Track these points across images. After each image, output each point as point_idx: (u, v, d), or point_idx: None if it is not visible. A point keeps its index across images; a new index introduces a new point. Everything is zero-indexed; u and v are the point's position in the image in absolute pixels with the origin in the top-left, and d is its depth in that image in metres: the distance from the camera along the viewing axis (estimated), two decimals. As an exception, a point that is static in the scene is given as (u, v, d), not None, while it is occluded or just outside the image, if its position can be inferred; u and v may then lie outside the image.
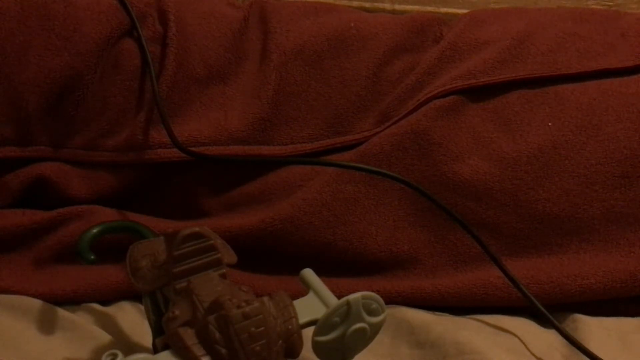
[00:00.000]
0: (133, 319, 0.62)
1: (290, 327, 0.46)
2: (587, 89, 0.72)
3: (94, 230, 0.57)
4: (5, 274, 0.65)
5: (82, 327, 0.59)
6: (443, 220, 0.68)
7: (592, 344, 0.61)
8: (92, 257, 0.55)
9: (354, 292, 0.48)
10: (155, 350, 0.48)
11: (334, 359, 0.50)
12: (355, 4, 0.85)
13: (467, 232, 0.66)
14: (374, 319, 0.49)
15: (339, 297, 0.49)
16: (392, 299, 0.66)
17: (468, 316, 0.66)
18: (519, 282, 0.64)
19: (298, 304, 0.48)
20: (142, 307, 0.57)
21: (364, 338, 0.50)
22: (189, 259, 0.48)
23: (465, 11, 0.82)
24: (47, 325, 0.59)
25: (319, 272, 0.53)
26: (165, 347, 0.46)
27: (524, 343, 0.63)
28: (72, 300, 0.64)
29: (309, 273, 0.53)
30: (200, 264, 0.49)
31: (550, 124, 0.71)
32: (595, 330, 0.64)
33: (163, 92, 0.70)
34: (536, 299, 0.64)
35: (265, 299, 0.46)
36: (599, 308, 0.68)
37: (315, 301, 0.50)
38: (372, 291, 0.49)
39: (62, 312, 0.61)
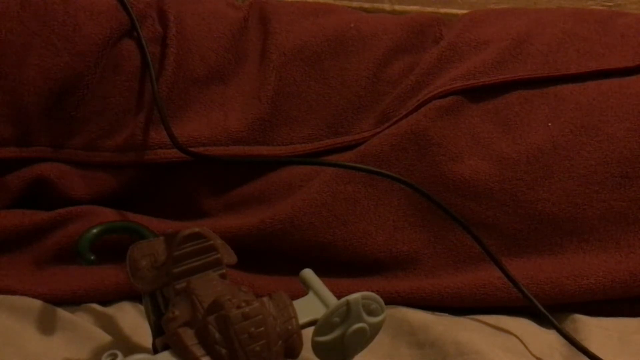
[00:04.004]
0: (133, 320, 0.62)
1: (290, 327, 0.46)
2: (587, 89, 0.72)
3: (94, 231, 0.57)
4: (6, 274, 0.65)
5: (82, 327, 0.59)
6: (443, 220, 0.68)
7: (591, 344, 0.61)
8: (92, 257, 0.55)
9: (353, 292, 0.48)
10: (155, 350, 0.48)
11: (333, 359, 0.50)
12: (355, 4, 0.85)
13: (466, 232, 0.66)
14: (374, 319, 0.50)
15: (338, 297, 0.49)
16: (391, 299, 0.66)
17: (468, 316, 0.66)
18: (519, 282, 0.64)
19: (298, 304, 0.49)
20: (142, 307, 0.57)
21: (364, 338, 0.50)
22: (189, 259, 0.48)
23: (464, 12, 0.82)
24: (47, 326, 0.59)
25: (319, 273, 0.53)
26: (165, 347, 0.46)
27: (523, 343, 0.63)
28: (72, 301, 0.64)
29: (308, 273, 0.53)
30: (200, 265, 0.49)
31: (550, 124, 0.71)
32: (595, 330, 0.64)
33: (163, 93, 0.71)
34: (536, 299, 0.64)
35: (265, 299, 0.46)
36: (599, 308, 0.68)
37: (315, 301, 0.50)
38: (372, 291, 0.49)
39: (62, 312, 0.61)
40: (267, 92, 0.72)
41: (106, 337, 0.58)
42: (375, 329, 0.50)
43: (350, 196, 0.69)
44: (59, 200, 0.69)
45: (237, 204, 0.71)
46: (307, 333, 0.48)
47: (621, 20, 0.77)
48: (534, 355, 0.61)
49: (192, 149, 0.69)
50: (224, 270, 0.50)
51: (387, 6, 0.86)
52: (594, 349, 0.60)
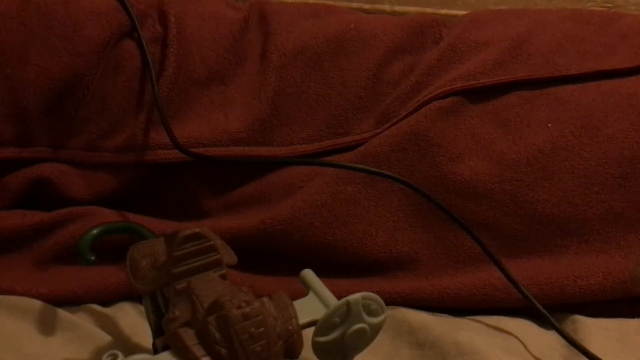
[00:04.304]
0: (133, 320, 0.62)
1: (290, 327, 0.46)
2: (587, 90, 0.72)
3: (94, 231, 0.57)
4: (6, 274, 0.65)
5: (82, 327, 0.59)
6: (443, 221, 0.68)
7: (591, 345, 0.61)
8: (93, 257, 0.55)
9: (353, 292, 0.48)
10: (156, 350, 0.48)
11: (334, 359, 0.50)
12: (354, 5, 0.85)
13: (466, 232, 0.66)
14: (374, 320, 0.50)
15: (338, 297, 0.49)
16: (391, 300, 0.66)
17: (468, 317, 0.66)
18: (519, 282, 0.64)
19: (298, 304, 0.49)
20: (142, 308, 0.57)
21: (364, 338, 0.50)
22: (189, 259, 0.48)
23: (464, 12, 0.82)
24: (47, 326, 0.59)
25: (319, 273, 0.53)
26: (166, 347, 0.46)
27: (523, 344, 0.63)
28: (72, 301, 0.64)
29: (308, 274, 0.53)
30: (200, 265, 0.49)
31: (549, 125, 0.71)
32: (595, 331, 0.64)
33: (163, 93, 0.71)
34: (536, 300, 0.64)
35: (265, 299, 0.46)
36: (599, 309, 0.68)
37: (315, 302, 0.50)
38: (372, 292, 0.49)
39: (62, 312, 0.61)
40: (267, 92, 0.72)
41: (106, 338, 0.58)
42: (376, 330, 0.50)
43: (350, 197, 0.69)
44: (59, 201, 0.69)
45: (237, 205, 0.71)
46: (308, 333, 0.48)
47: (621, 21, 0.77)
48: (534, 356, 0.61)
49: (193, 150, 0.69)
50: (224, 271, 0.50)
51: (387, 7, 0.86)
52: (594, 349, 0.60)
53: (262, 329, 0.44)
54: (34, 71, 0.69)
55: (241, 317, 0.43)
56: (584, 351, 0.60)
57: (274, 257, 0.69)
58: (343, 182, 0.69)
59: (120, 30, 0.71)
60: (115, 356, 0.44)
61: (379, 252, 0.69)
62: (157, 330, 0.50)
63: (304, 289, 0.52)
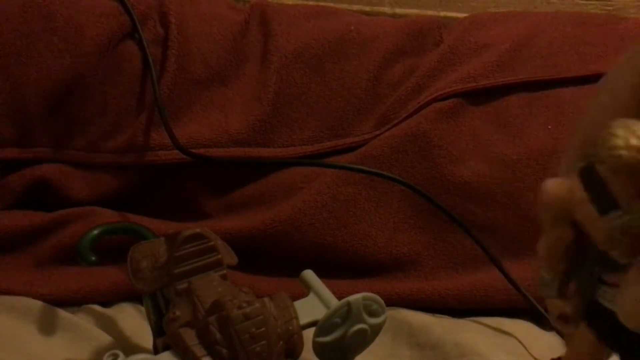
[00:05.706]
0: (134, 320, 0.62)
1: (291, 327, 0.46)
2: (587, 92, 0.72)
3: (95, 232, 0.57)
4: (6, 275, 0.65)
5: (82, 328, 0.59)
6: (443, 222, 0.68)
7: (592, 346, 0.61)
8: (93, 258, 0.55)
9: (354, 293, 0.48)
10: (156, 351, 0.48)
11: (334, 360, 0.50)
12: (355, 7, 0.85)
13: (467, 234, 0.66)
14: (375, 320, 0.50)
15: (339, 298, 0.49)
16: (391, 301, 0.66)
17: (468, 318, 0.66)
18: (519, 284, 0.64)
19: (299, 305, 0.49)
20: (142, 308, 0.57)
21: (365, 339, 0.50)
22: (190, 260, 0.48)
23: (464, 15, 0.82)
24: (48, 327, 0.59)
25: (319, 274, 0.53)
26: (166, 347, 0.46)
27: (524, 345, 0.63)
28: (72, 302, 0.64)
29: (309, 274, 0.53)
30: (201, 265, 0.49)
31: (549, 126, 0.71)
32: (595, 332, 0.64)
33: (164, 94, 0.71)
34: (536, 301, 0.64)
35: (266, 299, 0.46)
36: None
37: (315, 302, 0.50)
38: (372, 292, 0.49)
39: (62, 313, 0.61)
40: (268, 94, 0.72)
41: (107, 338, 0.58)
42: (376, 330, 0.50)
43: (350, 198, 0.69)
44: (60, 201, 0.69)
45: (238, 205, 0.71)
46: (308, 334, 0.48)
47: (621, 25, 0.77)
48: (534, 357, 0.61)
49: (193, 150, 0.69)
50: (224, 271, 0.50)
51: (387, 9, 0.86)
52: (594, 350, 0.60)
53: (263, 329, 0.44)
54: (35, 72, 0.69)
55: (242, 318, 0.43)
56: (584, 352, 0.60)
57: (274, 257, 0.69)
58: (343, 183, 0.69)
59: (121, 31, 0.71)
60: (116, 356, 0.44)
61: (379, 253, 0.69)
62: (158, 331, 0.50)
63: (305, 290, 0.52)
